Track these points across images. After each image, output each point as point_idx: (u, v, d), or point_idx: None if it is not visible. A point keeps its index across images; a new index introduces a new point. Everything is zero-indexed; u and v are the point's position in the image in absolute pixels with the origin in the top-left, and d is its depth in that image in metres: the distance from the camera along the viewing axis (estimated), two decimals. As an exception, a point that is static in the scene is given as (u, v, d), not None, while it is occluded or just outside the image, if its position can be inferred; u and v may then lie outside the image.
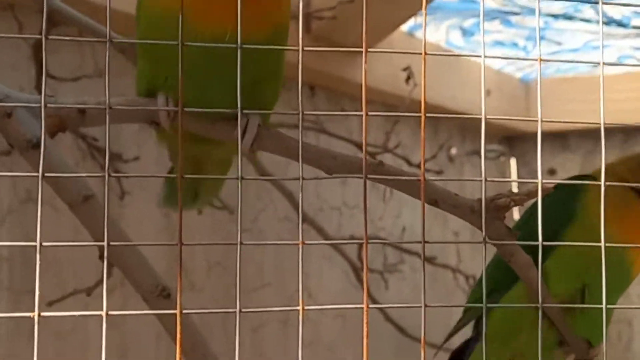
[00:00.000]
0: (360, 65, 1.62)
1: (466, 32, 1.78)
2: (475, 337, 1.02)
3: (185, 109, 0.53)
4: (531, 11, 1.67)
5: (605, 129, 0.52)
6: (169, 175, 1.01)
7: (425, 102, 0.49)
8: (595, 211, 0.96)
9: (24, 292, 1.15)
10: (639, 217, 0.97)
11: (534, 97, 2.20)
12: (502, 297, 0.97)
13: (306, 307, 0.49)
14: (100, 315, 0.46)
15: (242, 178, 0.51)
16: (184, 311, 0.48)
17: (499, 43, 1.86)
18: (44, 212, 1.17)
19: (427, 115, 0.51)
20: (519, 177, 2.28)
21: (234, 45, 0.56)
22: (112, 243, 0.53)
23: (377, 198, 1.66)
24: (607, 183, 0.55)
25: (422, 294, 0.50)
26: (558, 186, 1.03)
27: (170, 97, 0.83)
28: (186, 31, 0.78)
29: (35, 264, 0.45)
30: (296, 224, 1.45)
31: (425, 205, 0.58)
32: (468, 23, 1.72)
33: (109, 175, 0.49)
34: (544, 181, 0.79)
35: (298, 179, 0.95)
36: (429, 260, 1.59)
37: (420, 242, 0.55)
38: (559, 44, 1.85)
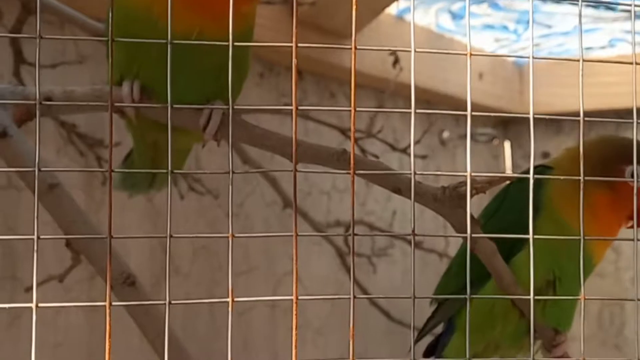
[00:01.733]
0: (345, 50, 1.62)
1: (455, 16, 1.78)
2: (446, 331, 1.03)
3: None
4: (519, -6, 1.66)
5: (599, 112, 0.52)
6: (160, 171, 1.01)
7: (414, 98, 0.50)
8: (559, 202, 0.97)
9: (3, 278, 1.16)
10: (602, 205, 0.97)
11: (528, 79, 2.20)
12: (477, 292, 0.98)
13: (300, 297, 0.50)
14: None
15: (233, 172, 0.51)
16: (173, 301, 0.49)
17: (489, 26, 1.86)
18: (25, 197, 1.18)
19: (417, 111, 0.52)
20: (513, 160, 2.28)
21: (225, 43, 0.58)
22: (114, 236, 0.53)
23: (365, 182, 1.66)
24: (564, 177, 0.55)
25: (412, 286, 0.51)
26: (519, 179, 1.03)
27: (135, 84, 0.84)
28: (156, 28, 0.80)
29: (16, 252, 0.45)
30: (282, 207, 1.46)
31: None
32: (457, 6, 1.72)
33: (112, 171, 0.49)
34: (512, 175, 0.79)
35: (291, 170, 0.96)
36: (417, 245, 1.60)
37: (410, 235, 0.56)
38: (548, 27, 1.85)
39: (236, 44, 0.53)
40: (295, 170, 0.53)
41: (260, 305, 1.51)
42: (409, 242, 1.61)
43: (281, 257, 1.56)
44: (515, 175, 0.84)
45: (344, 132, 1.41)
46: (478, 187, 0.88)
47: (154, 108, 0.85)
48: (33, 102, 0.84)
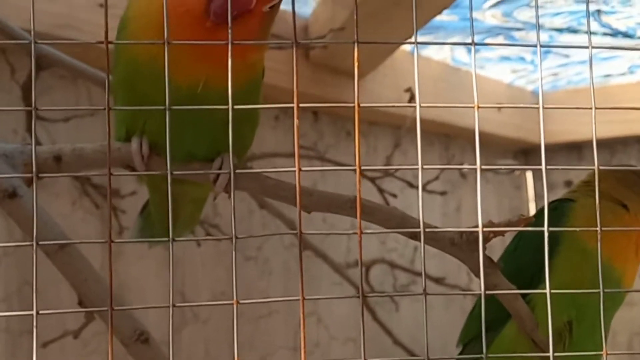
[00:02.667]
0: (362, 89, 1.62)
1: (471, 49, 1.77)
2: None
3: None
4: (533, 26, 1.65)
5: (622, 139, 0.52)
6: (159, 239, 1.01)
7: (426, 131, 0.49)
8: (581, 233, 0.96)
9: (22, 332, 1.16)
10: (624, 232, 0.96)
11: (549, 109, 2.18)
12: (497, 337, 0.96)
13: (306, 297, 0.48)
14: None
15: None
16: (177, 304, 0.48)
17: (506, 58, 1.85)
18: (40, 253, 1.17)
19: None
20: (535, 190, 2.26)
21: (225, 107, 0.58)
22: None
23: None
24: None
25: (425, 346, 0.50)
26: (538, 214, 1.02)
27: (144, 140, 0.84)
28: (162, 82, 0.79)
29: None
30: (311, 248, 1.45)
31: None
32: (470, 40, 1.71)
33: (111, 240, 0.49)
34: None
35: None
36: (439, 280, 1.58)
37: (421, 294, 0.55)
38: (566, 56, 1.84)
39: (236, 107, 0.53)
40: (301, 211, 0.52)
41: (281, 349, 1.49)
42: (433, 278, 1.59)
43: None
44: (526, 228, 0.83)
45: (362, 172, 1.40)
46: (496, 232, 0.87)
47: (163, 163, 0.85)
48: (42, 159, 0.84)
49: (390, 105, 1.46)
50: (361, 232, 0.61)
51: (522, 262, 0.97)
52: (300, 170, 0.53)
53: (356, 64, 0.51)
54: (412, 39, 0.50)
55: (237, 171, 0.56)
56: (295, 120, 0.56)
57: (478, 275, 0.89)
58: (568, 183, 2.24)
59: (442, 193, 1.55)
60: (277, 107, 1.55)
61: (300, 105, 0.49)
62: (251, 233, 1.45)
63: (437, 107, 1.78)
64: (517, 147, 2.20)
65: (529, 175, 2.26)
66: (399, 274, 1.67)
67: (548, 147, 2.35)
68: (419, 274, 1.63)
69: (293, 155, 1.46)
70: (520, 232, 1.00)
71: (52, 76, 1.13)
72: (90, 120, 1.17)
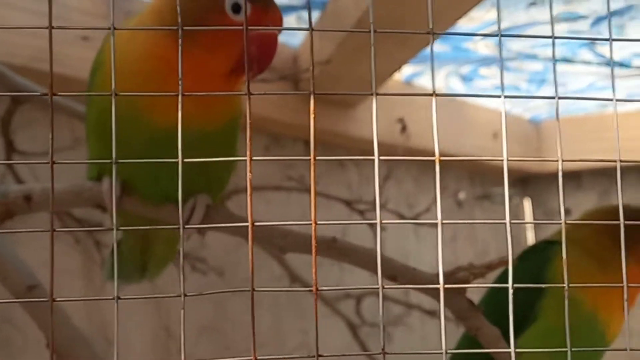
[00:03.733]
0: (352, 118, 1.60)
1: (465, 78, 1.76)
2: None
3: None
4: (527, 56, 1.64)
5: (621, 168, 0.50)
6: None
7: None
8: (569, 277, 0.93)
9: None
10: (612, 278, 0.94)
11: (546, 137, 2.17)
12: None
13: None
14: None
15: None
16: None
17: (500, 88, 1.83)
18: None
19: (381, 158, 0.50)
20: (534, 218, 2.24)
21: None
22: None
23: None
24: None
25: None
26: (523, 256, 1.00)
27: (117, 179, 0.83)
28: (138, 123, 0.78)
29: None
30: (289, 282, 1.43)
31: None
32: (465, 70, 1.70)
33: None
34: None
35: (283, 253, 0.93)
36: (431, 313, 1.56)
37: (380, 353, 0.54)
38: (563, 85, 1.82)
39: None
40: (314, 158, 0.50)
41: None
42: (427, 311, 1.57)
43: (290, 331, 1.53)
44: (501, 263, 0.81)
45: (350, 204, 1.39)
46: (476, 273, 0.85)
47: (135, 204, 0.83)
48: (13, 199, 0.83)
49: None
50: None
51: (506, 304, 0.95)
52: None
53: (312, 116, 0.49)
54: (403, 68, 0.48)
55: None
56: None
57: (459, 319, 0.87)
58: (567, 211, 2.23)
59: (433, 225, 1.52)
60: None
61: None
62: (239, 266, 1.43)
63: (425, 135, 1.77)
64: (514, 176, 2.18)
65: (527, 203, 2.24)
66: (392, 306, 1.65)
67: (546, 176, 2.32)
68: (413, 306, 1.61)
69: (281, 188, 1.45)
70: (505, 272, 0.98)
71: (32, 109, 1.12)
72: (71, 154, 1.15)
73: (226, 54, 0.73)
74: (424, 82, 1.75)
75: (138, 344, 1.30)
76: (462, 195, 2.01)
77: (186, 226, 0.83)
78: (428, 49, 1.56)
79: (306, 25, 0.46)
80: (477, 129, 1.93)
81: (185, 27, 0.46)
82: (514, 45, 1.57)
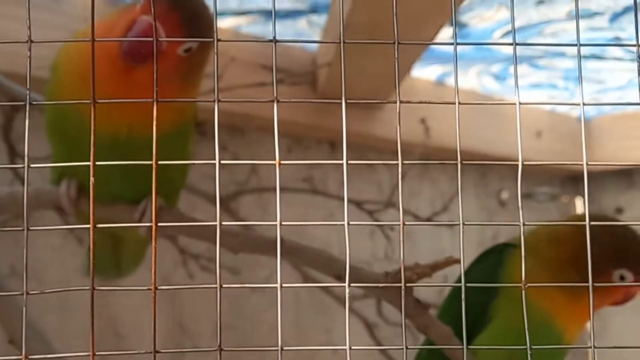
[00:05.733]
0: (379, 119, 1.62)
1: (498, 77, 1.75)
2: None
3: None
4: (555, 54, 1.62)
5: None
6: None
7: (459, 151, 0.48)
8: (521, 280, 0.93)
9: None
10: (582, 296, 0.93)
11: (596, 135, 2.13)
12: None
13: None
14: None
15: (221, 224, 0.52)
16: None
17: (536, 85, 1.82)
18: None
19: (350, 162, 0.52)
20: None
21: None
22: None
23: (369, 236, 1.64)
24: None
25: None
26: (480, 258, 1.00)
27: (72, 183, 0.86)
28: (87, 129, 0.82)
29: None
30: (312, 280, 1.45)
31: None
32: (495, 68, 1.70)
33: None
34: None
35: (235, 253, 0.96)
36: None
37: None
38: (601, 82, 1.80)
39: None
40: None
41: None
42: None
43: (313, 329, 1.56)
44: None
45: (359, 204, 1.40)
46: (419, 272, 0.86)
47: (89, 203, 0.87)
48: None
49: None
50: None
51: (461, 306, 0.96)
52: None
53: (344, 127, 0.51)
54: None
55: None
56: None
57: (408, 317, 0.88)
58: (619, 210, 2.18)
59: (450, 225, 1.52)
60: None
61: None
62: (258, 264, 1.46)
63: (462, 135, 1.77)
64: (563, 175, 2.16)
65: (579, 202, 2.20)
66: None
67: (597, 174, 2.28)
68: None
69: (300, 190, 1.47)
70: (466, 272, 0.99)
71: (32, 115, 1.17)
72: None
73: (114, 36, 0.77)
74: (454, 81, 1.75)
75: (151, 341, 1.34)
76: (505, 195, 2.00)
77: (139, 224, 0.87)
78: (450, 49, 1.57)
79: (318, 29, 0.47)
80: (513, 127, 1.92)
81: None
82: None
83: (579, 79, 0.47)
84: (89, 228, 0.90)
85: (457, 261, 0.84)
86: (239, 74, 1.33)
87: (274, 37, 0.44)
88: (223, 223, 0.48)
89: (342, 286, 0.47)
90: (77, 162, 0.85)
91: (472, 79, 1.76)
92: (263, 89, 1.37)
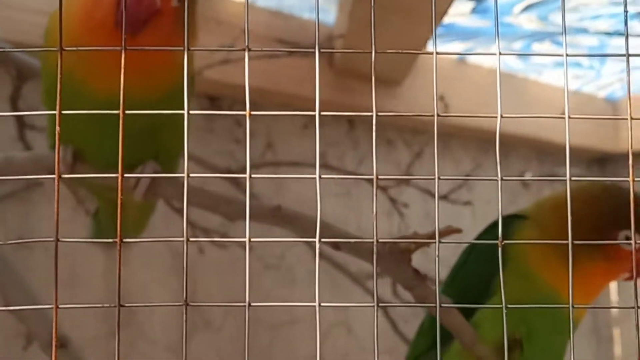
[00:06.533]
0: (398, 95, 1.60)
1: (521, 54, 1.72)
2: None
3: None
4: (578, 30, 1.59)
5: None
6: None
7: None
8: (530, 254, 0.91)
9: None
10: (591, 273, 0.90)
11: (623, 114, 2.09)
12: (445, 352, 0.93)
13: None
14: None
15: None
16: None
17: (560, 64, 1.78)
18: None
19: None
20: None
21: (181, 111, 0.59)
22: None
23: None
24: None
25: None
26: (488, 230, 0.98)
27: (68, 148, 0.86)
28: (78, 94, 0.81)
29: None
30: (326, 257, 1.44)
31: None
32: (517, 45, 1.67)
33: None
34: None
35: (231, 220, 0.95)
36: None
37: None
38: (622, 61, 1.76)
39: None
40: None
41: None
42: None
43: (329, 310, 1.54)
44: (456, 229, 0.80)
45: (370, 180, 1.38)
46: (418, 242, 0.85)
47: (88, 169, 0.86)
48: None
49: (409, 115, 1.43)
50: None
51: (472, 275, 0.94)
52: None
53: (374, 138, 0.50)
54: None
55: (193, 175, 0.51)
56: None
57: (406, 288, 0.86)
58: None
59: (466, 203, 1.50)
60: (295, 114, 1.55)
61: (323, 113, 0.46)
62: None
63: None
64: (589, 156, 2.12)
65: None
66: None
67: (624, 156, 2.24)
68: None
69: (312, 166, 1.45)
70: (470, 247, 0.97)
71: (38, 85, 1.17)
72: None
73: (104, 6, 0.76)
74: (480, 60, 1.73)
75: (161, 317, 1.34)
76: (528, 176, 1.97)
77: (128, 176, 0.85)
78: (470, 25, 1.55)
79: (333, 2, 0.45)
80: (542, 107, 1.88)
81: None
82: (557, 18, 1.53)
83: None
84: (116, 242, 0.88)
85: (458, 230, 0.82)
86: (252, 46, 1.31)
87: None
88: (191, 175, 0.46)
89: (313, 241, 0.45)
90: (68, 128, 0.85)
91: (494, 57, 1.72)
92: (276, 61, 1.36)
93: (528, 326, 0.89)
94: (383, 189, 1.37)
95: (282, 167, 1.48)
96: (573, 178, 0.48)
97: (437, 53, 0.47)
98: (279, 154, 1.49)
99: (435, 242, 0.51)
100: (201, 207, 0.85)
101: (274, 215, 0.84)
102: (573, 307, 0.46)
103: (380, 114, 0.46)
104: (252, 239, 0.46)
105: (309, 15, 1.46)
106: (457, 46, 1.65)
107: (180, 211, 1.23)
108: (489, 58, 1.74)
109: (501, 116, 0.48)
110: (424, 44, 1.44)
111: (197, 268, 1.37)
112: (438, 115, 0.50)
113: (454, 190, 1.46)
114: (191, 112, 0.45)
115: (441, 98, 1.56)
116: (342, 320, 1.56)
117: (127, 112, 0.45)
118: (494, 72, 1.79)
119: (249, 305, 0.46)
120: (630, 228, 0.87)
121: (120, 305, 0.45)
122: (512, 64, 1.77)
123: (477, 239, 0.96)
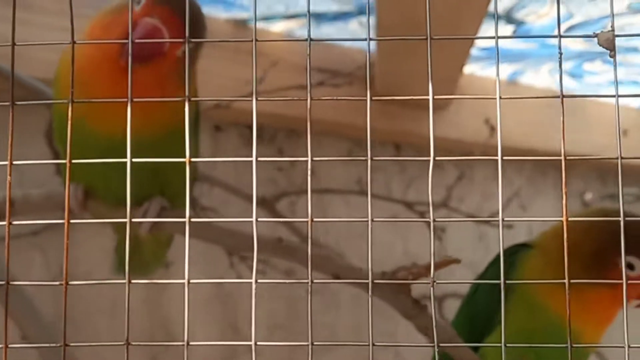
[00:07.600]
0: (444, 120, 1.60)
1: (574, 75, 1.70)
2: None
3: None
4: (627, 50, 1.57)
5: None
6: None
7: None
8: (536, 285, 0.90)
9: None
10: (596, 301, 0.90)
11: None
12: None
13: None
14: None
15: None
16: None
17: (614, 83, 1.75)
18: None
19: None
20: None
21: (183, 159, 0.62)
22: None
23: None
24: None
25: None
26: (497, 259, 0.98)
27: (79, 186, 0.89)
28: (86, 132, 0.85)
29: None
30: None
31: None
32: (568, 66, 1.65)
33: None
34: None
35: (233, 253, 0.98)
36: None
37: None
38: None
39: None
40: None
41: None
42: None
43: (376, 334, 1.55)
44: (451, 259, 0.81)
45: (410, 205, 1.39)
46: (415, 273, 0.85)
47: (97, 205, 0.90)
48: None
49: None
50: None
51: (479, 306, 0.94)
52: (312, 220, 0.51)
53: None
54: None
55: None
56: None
57: (405, 317, 0.87)
58: None
59: (509, 227, 1.49)
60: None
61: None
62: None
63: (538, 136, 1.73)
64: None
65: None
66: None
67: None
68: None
69: (342, 192, 1.46)
70: (483, 273, 0.97)
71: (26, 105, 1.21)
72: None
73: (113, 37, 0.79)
74: (526, 79, 1.71)
75: (201, 340, 1.37)
76: (588, 196, 1.94)
77: (134, 219, 0.88)
78: (517, 47, 1.54)
79: (366, 30, 0.47)
80: (602, 127, 1.86)
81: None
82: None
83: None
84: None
85: (456, 261, 0.82)
86: (287, 76, 1.34)
87: (309, 37, 0.44)
88: (192, 220, 0.49)
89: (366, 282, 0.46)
90: (77, 167, 0.88)
91: (545, 77, 1.71)
92: (317, 89, 1.38)
93: (537, 353, 0.89)
94: (421, 213, 1.38)
95: (326, 194, 1.50)
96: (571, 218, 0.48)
97: (497, 37, 0.47)
98: (322, 181, 1.51)
99: (429, 283, 0.52)
100: (207, 241, 0.87)
101: (275, 247, 0.86)
102: (572, 346, 0.46)
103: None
104: (315, 281, 0.48)
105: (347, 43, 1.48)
106: (505, 68, 1.64)
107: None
108: (541, 79, 1.72)
109: (621, 157, 0.47)
110: (461, 67, 1.44)
111: (236, 295, 1.40)
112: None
113: (495, 214, 1.45)
114: (193, 159, 0.48)
115: (486, 121, 1.56)
116: (393, 347, 1.56)
117: (134, 160, 0.48)
118: (547, 92, 1.77)
119: (188, 344, 0.48)
120: (632, 253, 0.86)
121: (66, 345, 0.47)
122: (566, 83, 1.75)
123: (487, 268, 0.96)
